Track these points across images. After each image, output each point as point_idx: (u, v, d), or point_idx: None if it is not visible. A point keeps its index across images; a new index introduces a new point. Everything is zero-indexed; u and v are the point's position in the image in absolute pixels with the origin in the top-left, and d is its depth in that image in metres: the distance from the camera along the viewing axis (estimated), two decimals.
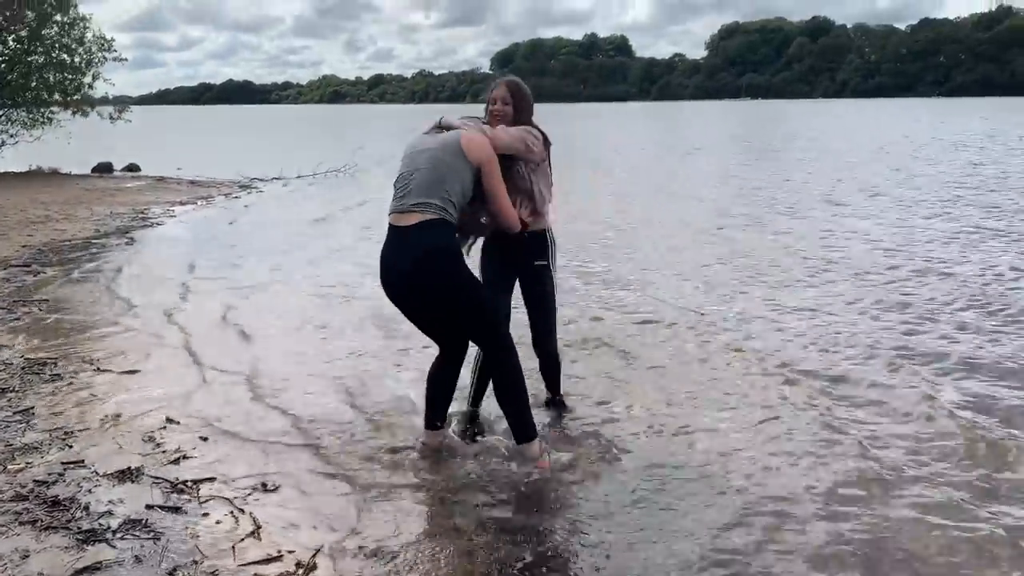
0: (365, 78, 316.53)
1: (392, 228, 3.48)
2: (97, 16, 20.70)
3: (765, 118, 59.74)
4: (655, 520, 3.20)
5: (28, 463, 3.68)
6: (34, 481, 3.50)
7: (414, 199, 3.42)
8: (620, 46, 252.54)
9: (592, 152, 26.13)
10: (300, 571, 2.84)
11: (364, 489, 3.47)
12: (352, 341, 5.71)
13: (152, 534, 3.08)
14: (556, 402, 4.33)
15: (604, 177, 17.92)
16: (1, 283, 7.47)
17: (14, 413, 4.28)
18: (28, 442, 3.91)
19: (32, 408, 4.34)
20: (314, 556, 2.92)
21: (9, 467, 3.63)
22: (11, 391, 4.62)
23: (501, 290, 3.96)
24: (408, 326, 3.94)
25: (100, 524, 3.15)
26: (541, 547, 3.03)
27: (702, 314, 6.27)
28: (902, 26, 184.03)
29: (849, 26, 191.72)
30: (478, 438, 3.96)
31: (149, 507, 3.27)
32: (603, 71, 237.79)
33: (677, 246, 9.38)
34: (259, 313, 6.51)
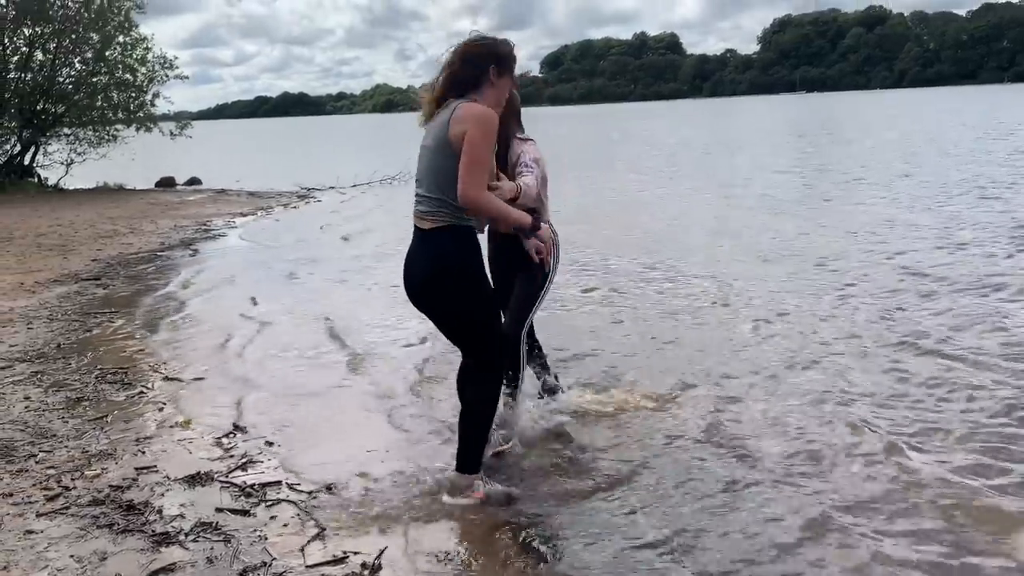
0: (417, 85, 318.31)
1: (414, 228, 3.36)
2: (157, 35, 21.34)
3: (843, 112, 58.50)
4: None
5: (104, 468, 3.82)
6: (109, 486, 3.62)
7: (424, 206, 3.27)
8: (670, 44, 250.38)
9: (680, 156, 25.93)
10: (365, 572, 2.89)
11: (428, 493, 3.51)
12: (423, 347, 5.78)
13: (223, 536, 3.16)
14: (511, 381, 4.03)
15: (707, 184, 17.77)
16: (73, 296, 7.74)
17: (90, 421, 4.44)
18: (103, 448, 4.05)
19: (106, 416, 4.50)
20: (378, 557, 2.97)
21: (86, 473, 3.77)
22: (86, 400, 4.79)
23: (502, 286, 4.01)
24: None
25: (173, 527, 3.25)
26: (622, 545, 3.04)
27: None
28: (962, 12, 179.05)
29: (906, 14, 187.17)
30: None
31: (219, 510, 3.37)
32: (654, 70, 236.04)
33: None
34: (324, 320, 6.63)
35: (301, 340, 6.07)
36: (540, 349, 4.41)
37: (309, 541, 3.11)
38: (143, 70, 21.68)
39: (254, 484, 3.61)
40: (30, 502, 3.49)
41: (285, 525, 3.24)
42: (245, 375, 5.27)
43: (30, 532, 3.23)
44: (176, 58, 22.42)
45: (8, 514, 3.38)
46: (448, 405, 4.51)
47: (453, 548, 3.07)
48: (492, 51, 3.25)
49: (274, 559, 2.98)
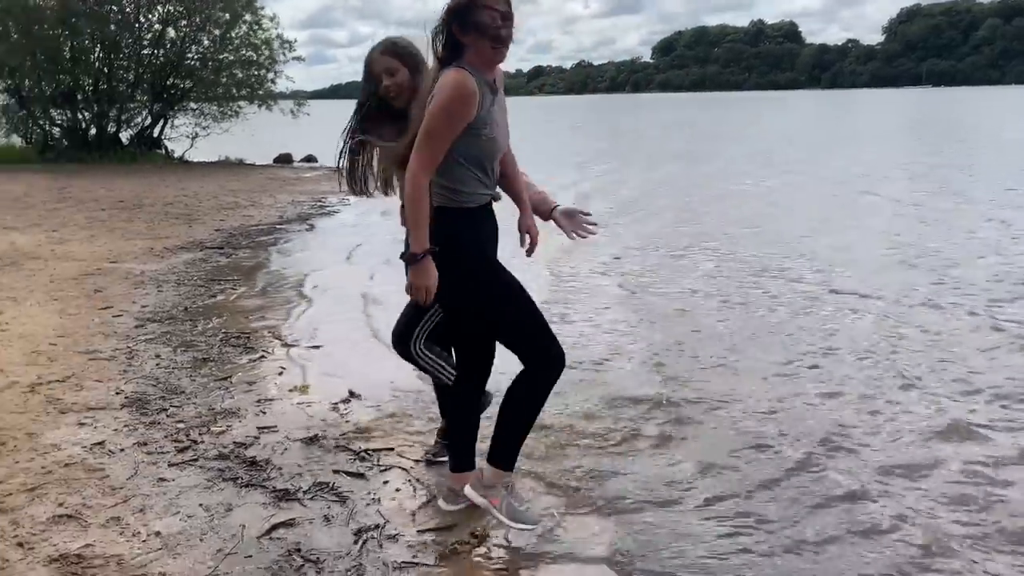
0: (525, 70, 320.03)
1: None
2: (277, 16, 22.06)
3: (976, 108, 55.68)
4: None
5: (228, 426, 4.02)
6: (234, 443, 3.82)
7: None
8: (789, 32, 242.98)
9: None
10: (474, 540, 2.96)
11: (540, 459, 3.56)
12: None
13: (338, 497, 3.29)
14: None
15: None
16: (198, 262, 8.15)
17: (215, 380, 4.68)
18: (227, 407, 4.27)
19: (230, 377, 4.73)
20: (486, 526, 3.04)
21: (212, 428, 3.98)
22: (211, 360, 5.05)
23: None
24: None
25: (292, 484, 3.40)
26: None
27: None
28: None
29: None
30: None
31: (336, 472, 3.51)
32: (770, 58, 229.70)
33: None
34: None
35: None
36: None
37: (420, 507, 3.21)
38: (265, 50, 22.49)
39: (368, 449, 3.74)
40: (162, 452, 3.71)
41: (397, 490, 3.35)
42: (360, 345, 5.44)
43: (163, 480, 3.44)
44: (295, 40, 23.17)
45: (143, 462, 3.61)
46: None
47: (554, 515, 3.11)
48: (449, 12, 2.67)
49: (387, 522, 3.08)
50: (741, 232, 9.56)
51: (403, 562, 2.82)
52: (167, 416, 4.14)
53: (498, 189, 2.95)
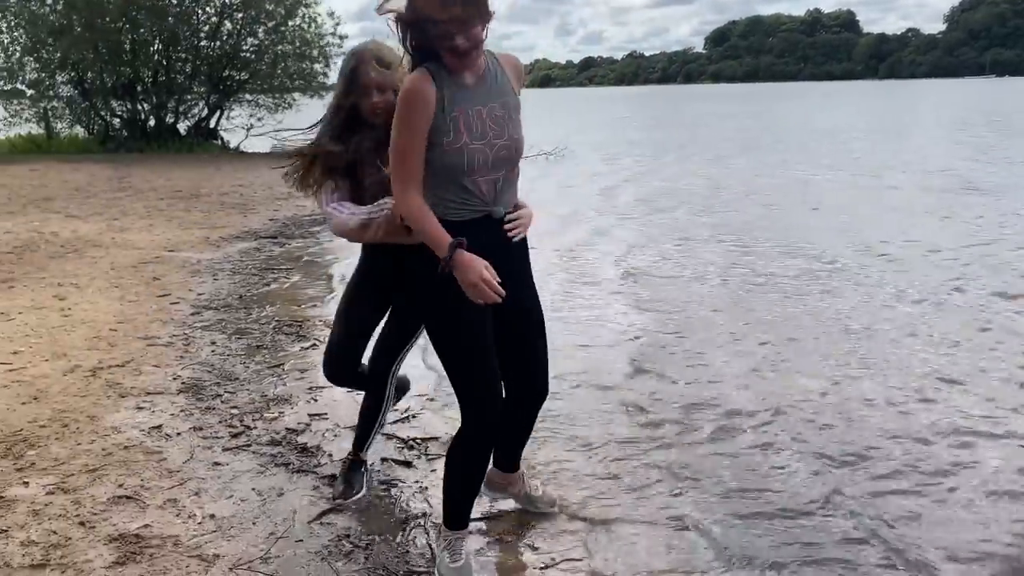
0: (575, 61, 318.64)
1: None
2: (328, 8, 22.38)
3: None
4: None
5: (280, 412, 4.11)
6: (286, 429, 3.90)
7: None
8: (846, 22, 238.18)
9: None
10: (521, 529, 2.99)
11: (587, 448, 3.57)
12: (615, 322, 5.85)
13: (387, 484, 3.35)
14: None
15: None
16: (253, 252, 8.30)
17: (268, 367, 4.78)
18: (280, 394, 4.36)
19: (283, 364, 4.83)
20: (532, 516, 3.07)
21: (265, 415, 4.07)
22: (264, 348, 5.16)
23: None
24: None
25: (338, 470, 3.47)
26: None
27: None
28: None
29: None
30: None
31: (384, 460, 3.56)
32: (826, 48, 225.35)
33: None
34: None
35: None
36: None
37: None
38: (317, 44, 22.70)
39: (416, 438, 3.79)
40: (217, 437, 3.81)
41: None
42: None
43: (217, 464, 3.54)
44: (347, 37, 23.37)
45: (199, 446, 3.71)
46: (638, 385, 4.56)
47: (603, 508, 3.12)
48: (399, 26, 2.32)
49: (433, 510, 3.13)
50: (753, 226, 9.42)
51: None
52: (221, 402, 4.24)
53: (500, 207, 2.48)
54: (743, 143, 22.45)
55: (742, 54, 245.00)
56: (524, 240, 2.59)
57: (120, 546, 2.87)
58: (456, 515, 2.69)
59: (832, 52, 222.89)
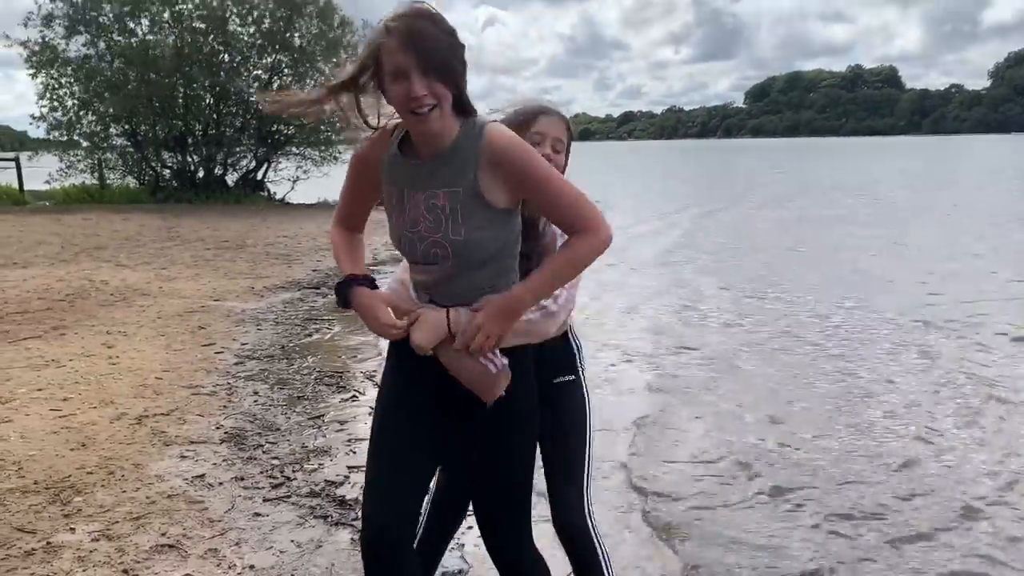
0: (615, 115, 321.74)
1: None
2: None
3: None
4: None
5: (320, 464, 4.15)
6: (325, 480, 3.94)
7: None
8: (888, 77, 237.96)
9: None
10: None
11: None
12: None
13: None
14: None
15: None
16: (296, 303, 8.45)
17: (309, 418, 4.85)
18: (320, 445, 4.41)
19: (323, 415, 4.89)
20: None
21: (305, 466, 4.12)
22: (305, 399, 5.23)
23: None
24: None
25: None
26: None
27: None
28: None
29: None
30: None
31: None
32: (868, 103, 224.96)
33: None
34: None
35: None
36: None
37: None
38: None
39: None
40: (258, 487, 3.86)
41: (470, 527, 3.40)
42: None
43: (258, 515, 3.58)
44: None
45: (240, 496, 3.76)
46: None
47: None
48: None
49: (471, 567, 3.13)
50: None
51: None
52: (263, 452, 4.31)
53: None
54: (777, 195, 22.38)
55: (782, 109, 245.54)
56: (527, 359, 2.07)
57: None
58: None
59: (874, 107, 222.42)
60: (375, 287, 2.08)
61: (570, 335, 2.48)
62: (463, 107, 1.89)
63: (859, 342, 6.71)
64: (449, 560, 3.21)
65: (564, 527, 2.33)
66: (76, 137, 21.90)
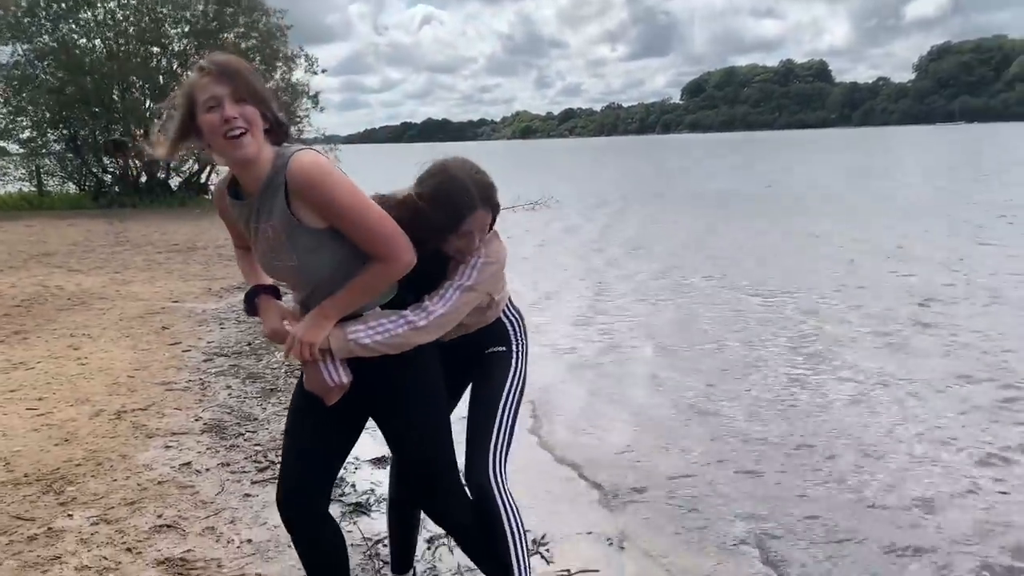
0: (555, 113, 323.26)
1: None
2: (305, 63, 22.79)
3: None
4: None
5: None
6: None
7: None
8: (818, 71, 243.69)
9: None
10: (534, 546, 3.27)
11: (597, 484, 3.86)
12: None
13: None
14: None
15: None
16: None
17: (284, 408, 5.03)
18: None
19: None
20: (544, 536, 3.35)
21: None
22: (279, 391, 5.43)
23: None
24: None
25: (363, 499, 3.75)
26: None
27: None
28: None
29: None
30: None
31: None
32: (800, 97, 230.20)
33: None
34: None
35: None
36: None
37: None
38: (296, 103, 23.15)
39: None
40: (244, 471, 4.07)
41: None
42: None
43: (248, 495, 3.79)
44: (319, 93, 23.67)
45: (228, 480, 3.96)
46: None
47: (612, 528, 3.40)
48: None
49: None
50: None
51: (470, 567, 3.13)
52: (244, 440, 4.50)
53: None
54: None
55: (718, 104, 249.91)
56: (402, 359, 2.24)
57: (168, 568, 3.11)
58: None
59: (806, 101, 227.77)
60: (279, 296, 2.31)
61: (507, 312, 2.62)
62: (278, 136, 2.10)
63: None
64: (432, 527, 3.46)
65: (471, 487, 2.47)
66: (10, 144, 21.47)
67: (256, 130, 2.01)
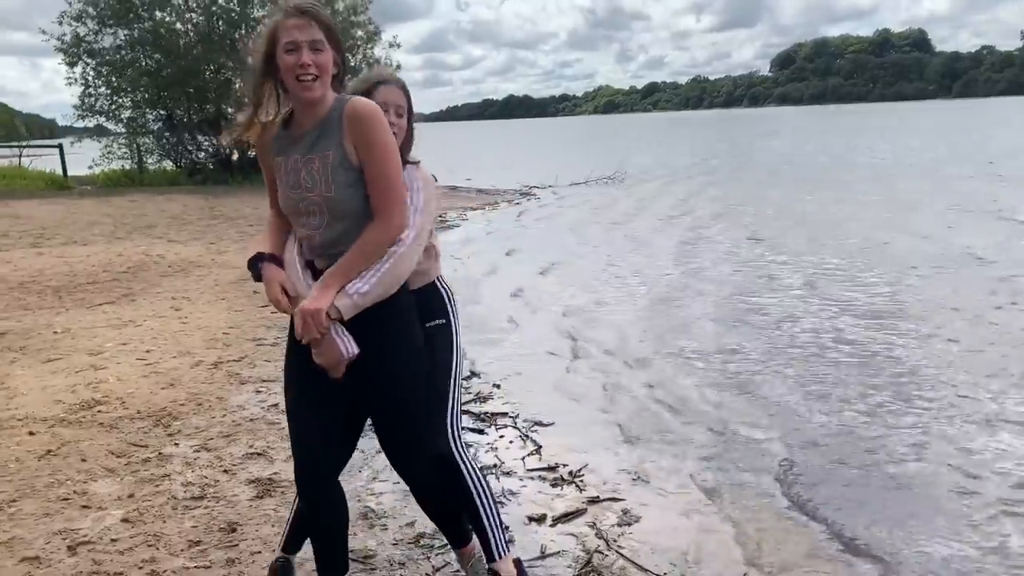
0: (639, 87, 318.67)
1: None
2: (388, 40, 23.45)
3: None
4: None
5: None
6: None
7: None
8: (917, 40, 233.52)
9: None
10: (570, 477, 3.71)
11: (624, 426, 4.27)
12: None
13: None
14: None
15: None
16: None
17: None
18: None
19: None
20: (581, 470, 3.78)
21: None
22: None
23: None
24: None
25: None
26: None
27: None
28: None
29: None
30: None
31: (462, 428, 4.31)
32: (897, 68, 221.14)
33: None
34: (546, 293, 7.61)
35: (525, 306, 7.04)
36: None
37: (528, 455, 3.98)
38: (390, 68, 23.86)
39: (487, 413, 4.55)
40: None
41: (511, 442, 4.16)
42: (482, 327, 6.32)
43: None
44: (399, 66, 24.23)
45: None
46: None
47: (636, 464, 3.81)
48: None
49: (502, 463, 3.87)
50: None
51: (514, 491, 3.59)
52: None
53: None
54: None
55: (809, 76, 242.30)
56: (399, 301, 2.36)
57: (257, 486, 3.67)
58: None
59: (903, 72, 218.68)
60: (281, 265, 2.38)
61: (439, 284, 2.75)
62: (339, 83, 2.35)
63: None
64: (486, 458, 3.93)
65: (433, 459, 2.56)
66: (109, 124, 22.82)
67: (325, 76, 2.24)
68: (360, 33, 23.12)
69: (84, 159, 22.31)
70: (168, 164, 23.62)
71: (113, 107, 22.40)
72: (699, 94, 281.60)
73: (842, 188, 16.39)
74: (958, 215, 11.89)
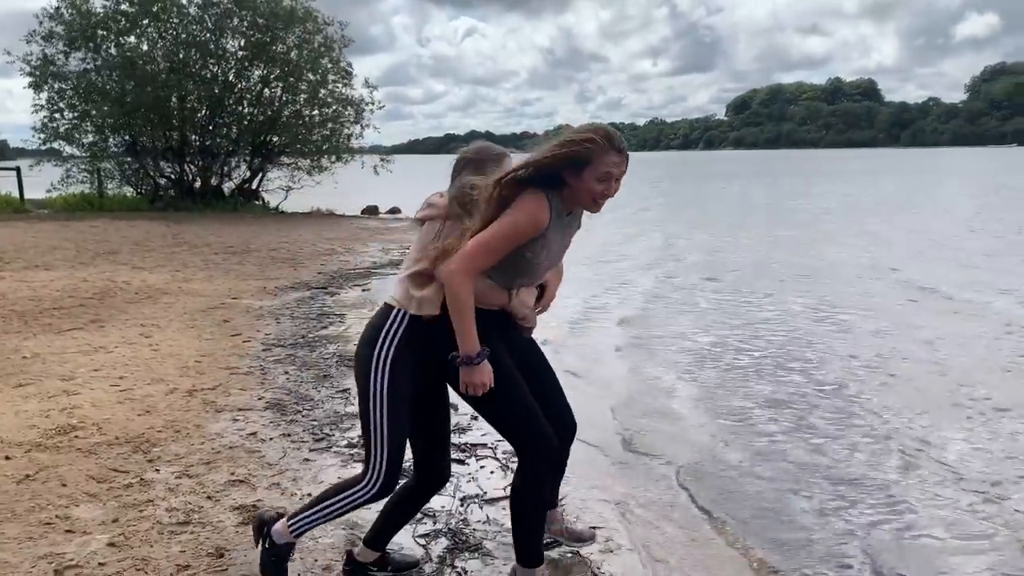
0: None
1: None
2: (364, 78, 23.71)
3: None
4: None
5: (352, 425, 4.92)
6: (358, 436, 4.71)
7: None
8: (867, 90, 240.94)
9: None
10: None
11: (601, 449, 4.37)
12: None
13: None
14: None
15: None
16: (308, 300, 9.22)
17: (337, 392, 5.63)
18: (350, 411, 5.18)
19: (350, 390, 5.67)
20: (562, 499, 3.86)
21: (340, 427, 4.90)
22: (331, 377, 6.01)
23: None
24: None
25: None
26: None
27: None
28: None
29: None
30: None
31: None
32: (848, 116, 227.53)
33: None
34: None
35: None
36: None
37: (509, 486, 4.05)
38: (351, 109, 23.89)
39: (467, 443, 4.61)
40: (303, 441, 4.65)
41: (492, 472, 4.23)
42: None
43: (307, 460, 4.37)
44: (380, 103, 24.34)
45: (289, 447, 4.55)
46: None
47: (626, 493, 3.91)
48: (566, 147, 2.72)
49: (484, 492, 3.94)
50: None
51: (499, 519, 3.66)
52: (302, 416, 5.09)
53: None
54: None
55: (764, 121, 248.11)
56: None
57: (242, 512, 3.69)
58: (533, 552, 2.90)
59: (854, 120, 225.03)
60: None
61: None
62: None
63: None
64: (468, 488, 4.00)
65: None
66: (72, 148, 22.57)
67: None
68: (331, 67, 23.20)
69: (41, 182, 21.99)
70: (128, 190, 23.35)
71: (75, 131, 22.17)
72: (656, 135, 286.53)
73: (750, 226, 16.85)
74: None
